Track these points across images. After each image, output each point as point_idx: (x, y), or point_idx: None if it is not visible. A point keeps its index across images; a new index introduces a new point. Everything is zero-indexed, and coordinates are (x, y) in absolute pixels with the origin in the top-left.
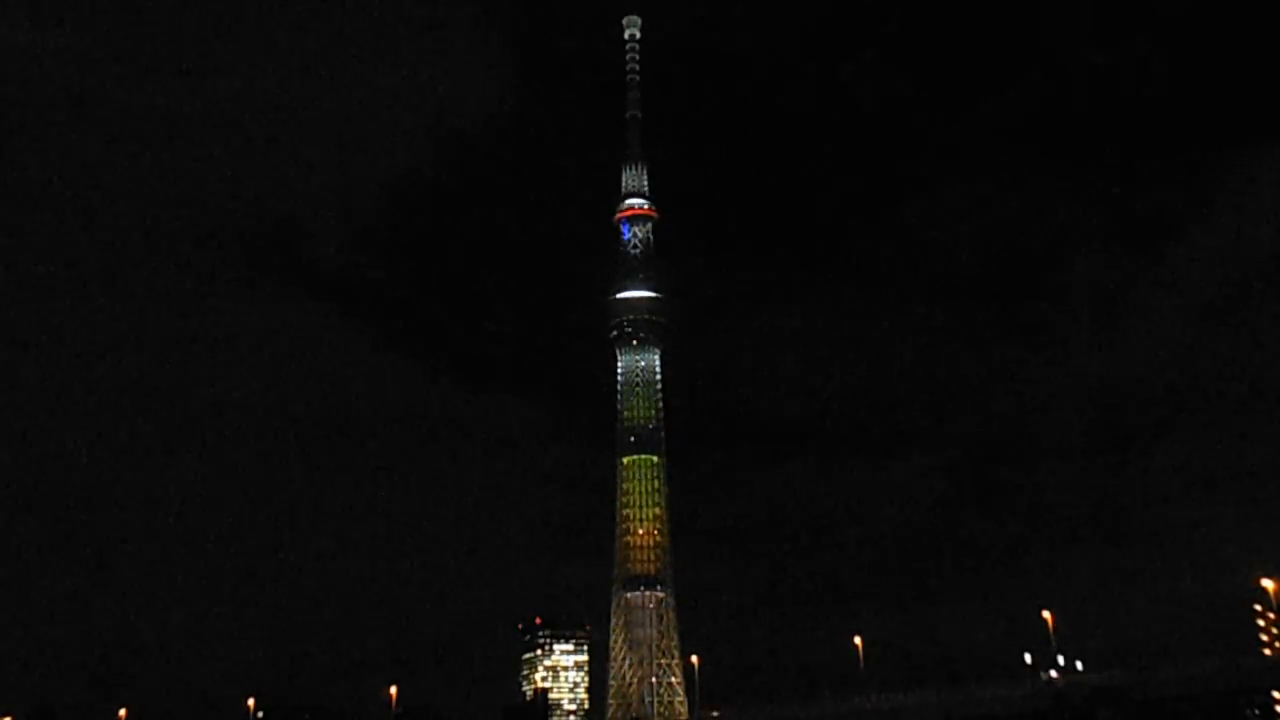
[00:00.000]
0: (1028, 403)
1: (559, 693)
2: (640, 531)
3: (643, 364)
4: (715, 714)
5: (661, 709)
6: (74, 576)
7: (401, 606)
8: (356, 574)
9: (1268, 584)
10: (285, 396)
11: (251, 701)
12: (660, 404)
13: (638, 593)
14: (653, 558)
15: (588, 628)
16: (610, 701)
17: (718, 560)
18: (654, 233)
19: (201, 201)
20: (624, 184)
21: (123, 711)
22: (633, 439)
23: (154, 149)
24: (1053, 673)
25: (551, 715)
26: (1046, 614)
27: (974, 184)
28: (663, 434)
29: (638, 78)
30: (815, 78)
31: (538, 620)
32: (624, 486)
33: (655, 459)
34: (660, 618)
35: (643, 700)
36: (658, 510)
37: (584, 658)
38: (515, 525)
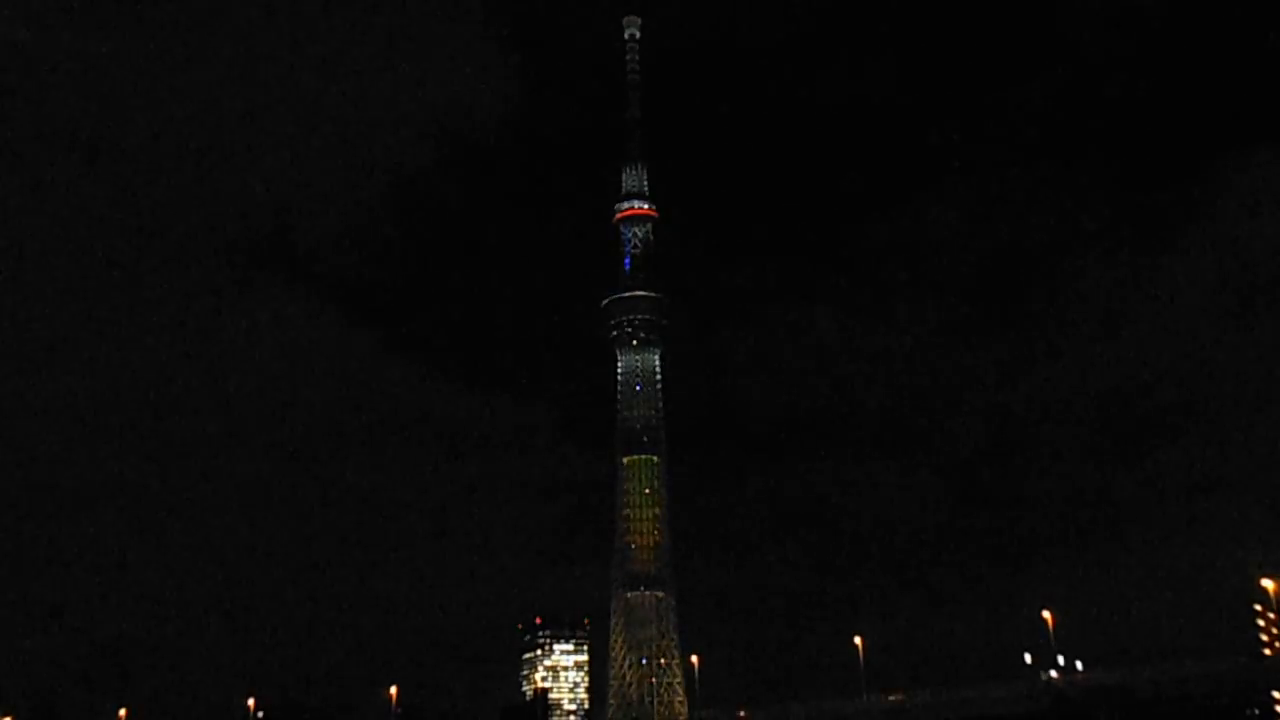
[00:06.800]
0: (1028, 403)
1: (559, 693)
2: (640, 531)
3: (643, 364)
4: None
5: (661, 709)
6: (74, 577)
7: (401, 606)
8: (357, 574)
9: (1268, 584)
10: (285, 397)
11: (251, 701)
12: (660, 404)
13: (638, 593)
14: (653, 558)
15: (588, 626)
16: (610, 701)
17: (718, 560)
18: (654, 233)
19: (202, 202)
20: (624, 184)
21: (123, 711)
22: (633, 439)
23: (154, 149)
24: (1053, 673)
25: (551, 715)
26: (1046, 614)
27: (975, 183)
28: (663, 434)
29: (638, 78)
30: (814, 78)
31: (538, 620)
32: (624, 486)
33: (655, 459)
34: (660, 618)
35: (643, 700)
36: (658, 510)
37: (584, 658)
38: (516, 525)
